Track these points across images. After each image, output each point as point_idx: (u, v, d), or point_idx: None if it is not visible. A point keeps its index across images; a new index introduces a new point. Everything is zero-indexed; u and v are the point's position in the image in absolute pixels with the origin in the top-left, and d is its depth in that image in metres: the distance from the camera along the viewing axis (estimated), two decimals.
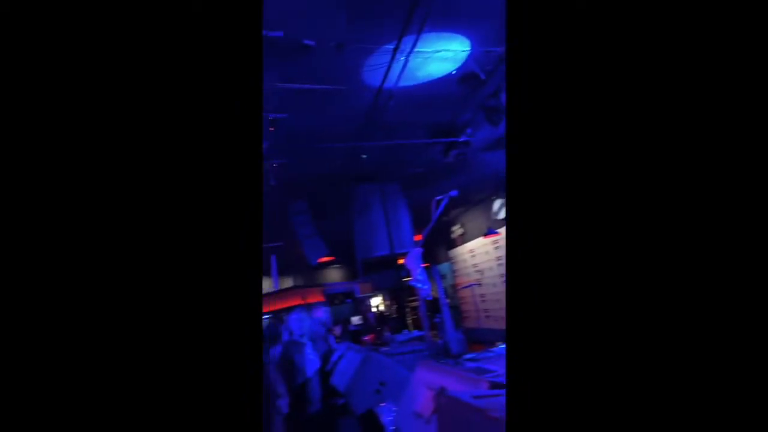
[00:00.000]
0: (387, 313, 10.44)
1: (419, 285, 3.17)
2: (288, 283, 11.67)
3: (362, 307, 9.36)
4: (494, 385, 1.51)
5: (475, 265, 8.26)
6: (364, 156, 5.44)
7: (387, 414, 2.29)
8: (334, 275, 13.27)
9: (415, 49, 3.58)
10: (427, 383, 1.73)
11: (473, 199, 7.94)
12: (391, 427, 2.19)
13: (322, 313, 3.10)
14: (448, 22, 3.44)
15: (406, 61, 3.69)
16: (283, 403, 2.05)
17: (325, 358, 2.99)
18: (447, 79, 4.23)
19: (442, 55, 3.82)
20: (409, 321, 9.90)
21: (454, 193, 3.08)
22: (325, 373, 2.78)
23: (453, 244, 9.15)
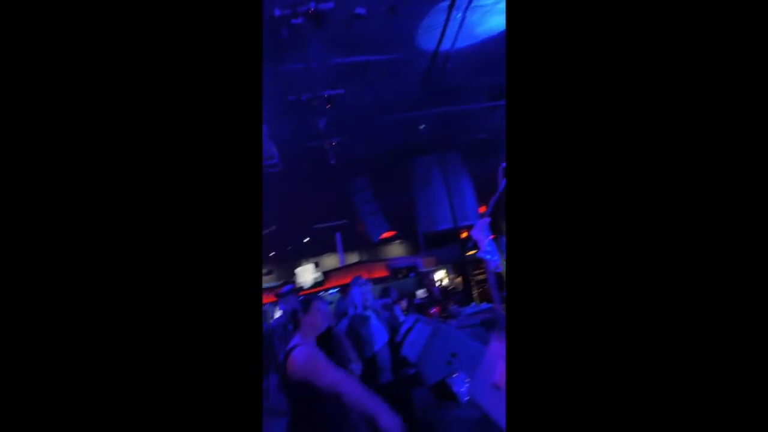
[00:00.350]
0: (451, 287, 10.38)
1: (488, 257, 3.03)
2: (353, 258, 12.09)
3: (426, 281, 9.39)
4: None
5: None
6: (422, 126, 5.28)
7: (460, 385, 2.26)
8: (397, 250, 13.46)
9: (473, 4, 3.30)
10: (503, 355, 1.65)
11: None
12: (465, 398, 2.16)
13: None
14: None
15: (463, 18, 3.42)
16: (356, 368, 2.11)
17: (394, 329, 3.03)
18: None
19: (503, 6, 3.48)
20: (475, 294, 9.75)
21: None
22: (395, 345, 2.81)
23: None
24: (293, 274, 9.96)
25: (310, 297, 1.83)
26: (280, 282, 11.24)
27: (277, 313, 5.43)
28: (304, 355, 1.58)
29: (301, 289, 9.20)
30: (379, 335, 2.69)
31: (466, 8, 3.32)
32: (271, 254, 12.26)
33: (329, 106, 4.39)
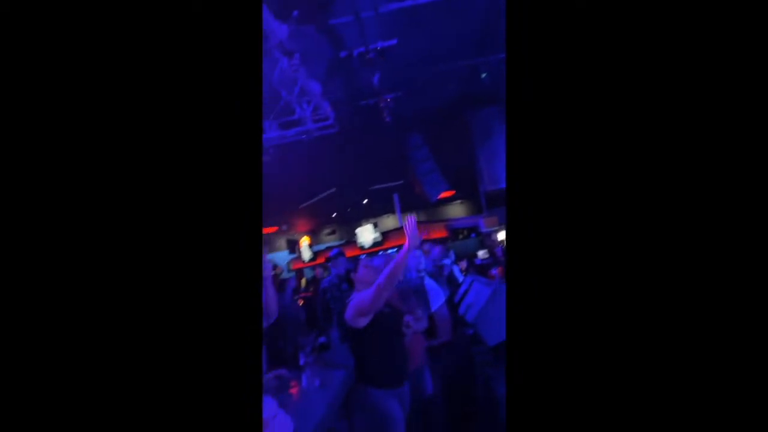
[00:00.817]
0: None
1: None
2: None
3: (488, 242, 9.12)
4: None
5: None
6: (484, 75, 4.85)
7: None
8: (458, 210, 13.17)
9: None
10: None
11: None
12: None
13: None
14: None
15: None
16: (421, 325, 2.16)
17: (453, 290, 2.97)
18: None
19: None
20: None
21: None
22: (453, 305, 2.77)
23: None
24: (354, 234, 10.26)
25: (361, 257, 1.98)
26: (344, 241, 11.71)
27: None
28: (354, 300, 1.79)
29: (362, 247, 9.48)
30: (435, 296, 2.66)
31: None
32: (333, 215, 12.73)
33: (382, 58, 4.17)
